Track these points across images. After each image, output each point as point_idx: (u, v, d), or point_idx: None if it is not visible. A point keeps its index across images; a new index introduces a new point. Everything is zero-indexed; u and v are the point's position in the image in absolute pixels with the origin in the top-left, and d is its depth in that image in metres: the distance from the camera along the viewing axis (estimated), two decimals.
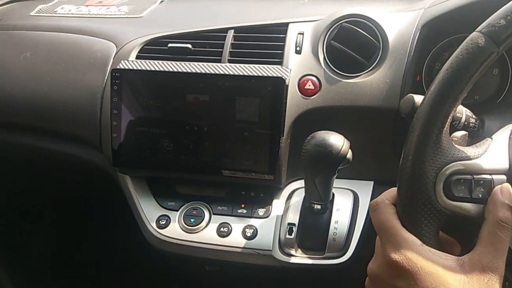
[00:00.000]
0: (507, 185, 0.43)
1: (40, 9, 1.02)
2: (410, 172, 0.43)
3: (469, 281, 0.40)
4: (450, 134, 0.49)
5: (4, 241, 1.11)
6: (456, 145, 0.44)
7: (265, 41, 0.72)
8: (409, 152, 0.44)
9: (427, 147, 0.43)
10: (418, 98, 0.52)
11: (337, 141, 0.60)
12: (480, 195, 0.43)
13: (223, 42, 0.73)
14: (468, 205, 0.44)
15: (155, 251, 0.72)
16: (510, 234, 0.41)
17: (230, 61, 0.72)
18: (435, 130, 0.42)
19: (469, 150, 0.45)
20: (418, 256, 0.42)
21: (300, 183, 0.73)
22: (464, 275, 0.41)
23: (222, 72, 0.67)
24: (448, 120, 0.43)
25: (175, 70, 0.69)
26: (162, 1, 0.99)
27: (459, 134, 0.49)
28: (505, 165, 0.44)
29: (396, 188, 0.47)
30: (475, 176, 0.43)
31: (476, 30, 0.42)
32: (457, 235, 0.48)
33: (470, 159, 0.44)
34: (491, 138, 0.47)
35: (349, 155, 0.61)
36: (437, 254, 0.43)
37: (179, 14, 0.90)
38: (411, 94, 0.53)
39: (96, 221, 1.18)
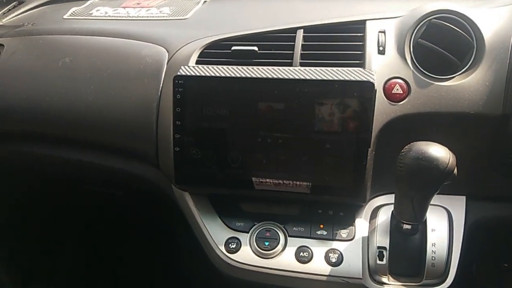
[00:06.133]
0: None
1: (74, 11, 0.95)
2: None
3: None
4: None
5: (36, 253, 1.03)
6: None
7: (341, 41, 0.65)
8: None
9: None
10: None
11: (442, 154, 0.52)
12: None
13: (292, 43, 0.66)
14: None
15: (221, 278, 0.65)
16: None
17: (302, 64, 0.64)
18: None
19: None
20: None
21: (384, 199, 0.65)
22: None
23: (299, 77, 0.60)
24: None
25: (245, 75, 0.61)
26: (205, 1, 0.92)
27: None
28: None
29: None
30: None
31: None
32: None
33: None
34: None
35: (455, 170, 0.53)
36: None
37: (231, 15, 0.82)
38: None
39: (140, 244, 1.09)
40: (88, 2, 0.99)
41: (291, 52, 0.65)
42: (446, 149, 0.53)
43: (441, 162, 0.51)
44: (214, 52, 0.68)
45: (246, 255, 0.62)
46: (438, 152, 0.52)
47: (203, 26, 0.78)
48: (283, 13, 0.77)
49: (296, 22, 0.70)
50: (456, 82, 0.60)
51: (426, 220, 0.61)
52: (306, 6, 0.78)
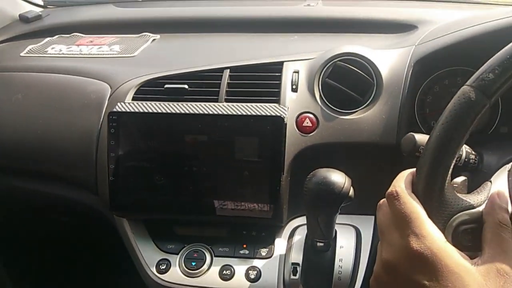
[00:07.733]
0: (503, 191, 0.45)
1: (31, 49, 1.01)
2: None
3: (486, 283, 0.40)
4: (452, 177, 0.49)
5: None
6: (458, 194, 0.45)
7: (261, 80, 0.73)
8: None
9: (432, 201, 0.43)
10: (419, 137, 0.53)
11: (338, 179, 0.60)
12: None
13: (219, 81, 0.74)
14: None
15: None
16: (510, 235, 0.42)
17: (227, 100, 0.72)
18: (438, 184, 0.43)
19: (472, 198, 0.45)
20: (443, 252, 0.41)
21: (301, 220, 0.72)
22: (481, 278, 0.40)
23: (220, 112, 0.67)
24: (449, 172, 0.43)
25: (173, 111, 0.68)
26: (154, 40, 1.00)
27: (459, 180, 0.49)
28: (509, 208, 0.44)
29: (411, 171, 0.47)
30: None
31: (466, 84, 0.43)
32: None
33: (473, 207, 0.44)
34: (490, 182, 0.47)
35: (351, 192, 0.61)
36: (459, 254, 0.42)
37: (173, 54, 0.90)
38: (411, 133, 0.54)
39: (85, 265, 1.14)
40: (45, 40, 1.06)
41: (218, 89, 0.73)
42: (343, 174, 0.61)
43: (336, 186, 0.59)
44: (150, 89, 0.75)
45: (175, 275, 0.68)
46: (335, 177, 0.60)
47: (147, 64, 0.86)
48: (216, 53, 0.85)
49: (225, 61, 0.78)
50: (358, 116, 0.69)
51: (336, 238, 0.68)
52: (238, 45, 0.87)
